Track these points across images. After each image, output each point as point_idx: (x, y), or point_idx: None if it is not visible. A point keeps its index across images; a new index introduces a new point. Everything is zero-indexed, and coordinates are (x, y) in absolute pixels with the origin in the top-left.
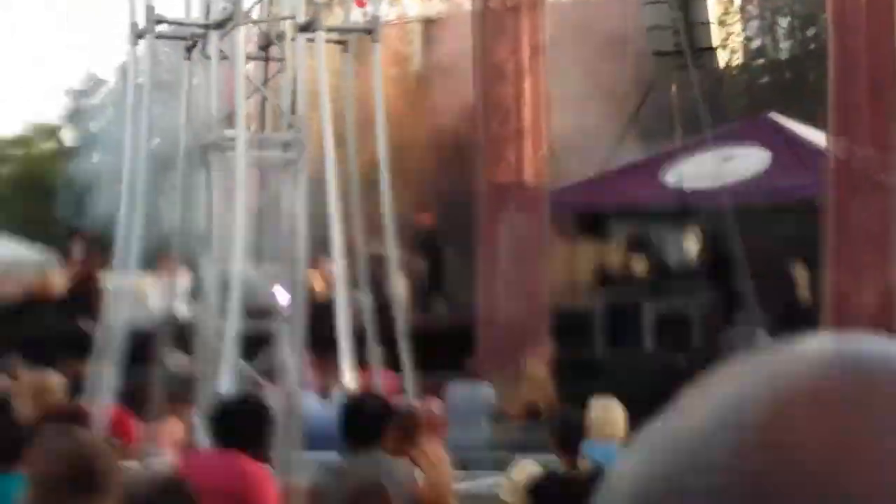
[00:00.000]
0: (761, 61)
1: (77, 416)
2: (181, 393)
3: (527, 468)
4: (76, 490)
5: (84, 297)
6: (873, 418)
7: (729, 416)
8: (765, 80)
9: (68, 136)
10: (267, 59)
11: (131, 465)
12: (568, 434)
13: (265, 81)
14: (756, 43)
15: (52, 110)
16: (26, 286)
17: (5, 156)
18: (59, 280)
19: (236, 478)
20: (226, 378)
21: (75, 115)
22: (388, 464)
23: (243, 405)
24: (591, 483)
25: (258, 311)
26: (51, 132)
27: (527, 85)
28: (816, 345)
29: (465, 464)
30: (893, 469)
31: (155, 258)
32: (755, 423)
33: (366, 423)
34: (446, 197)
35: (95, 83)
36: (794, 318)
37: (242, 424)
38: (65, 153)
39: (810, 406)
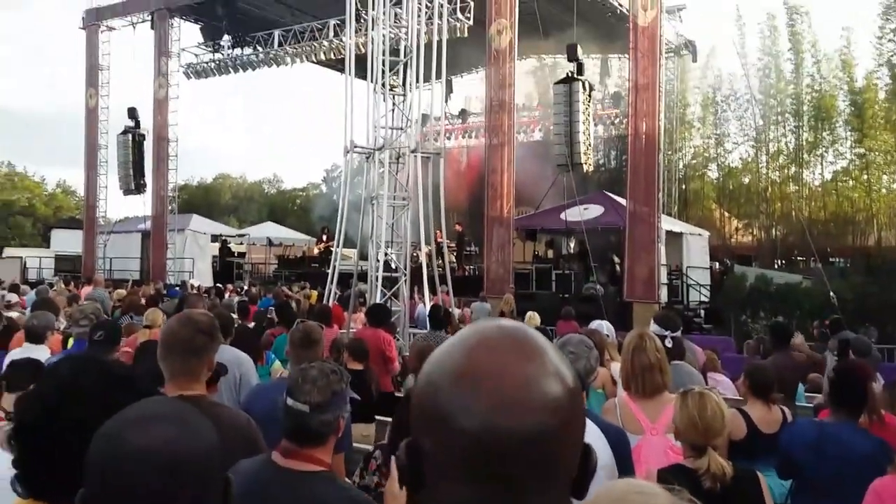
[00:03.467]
0: (604, 166)
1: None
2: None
3: None
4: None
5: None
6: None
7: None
8: (604, 175)
9: (325, 188)
10: (398, 164)
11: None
12: None
13: (397, 172)
14: (601, 159)
15: (318, 173)
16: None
17: (292, 196)
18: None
19: (381, 340)
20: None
21: (329, 178)
22: None
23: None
24: None
25: (393, 270)
26: (316, 186)
27: (505, 176)
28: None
29: None
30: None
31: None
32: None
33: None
34: (475, 219)
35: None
36: (614, 278)
37: (380, 314)
38: (322, 195)
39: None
